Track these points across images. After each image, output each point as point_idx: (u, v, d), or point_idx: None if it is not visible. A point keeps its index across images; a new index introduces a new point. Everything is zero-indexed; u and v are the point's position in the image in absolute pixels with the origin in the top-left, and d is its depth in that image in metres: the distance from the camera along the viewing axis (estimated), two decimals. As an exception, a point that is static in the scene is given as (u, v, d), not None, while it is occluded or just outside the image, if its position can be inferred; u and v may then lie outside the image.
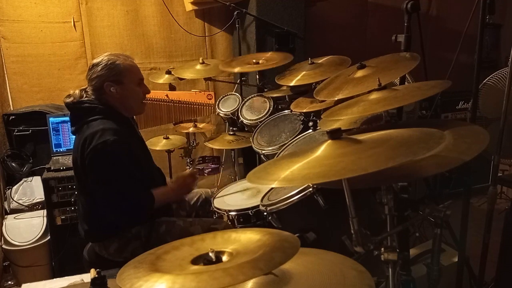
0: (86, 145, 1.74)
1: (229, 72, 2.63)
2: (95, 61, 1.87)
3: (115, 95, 1.84)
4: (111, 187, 1.74)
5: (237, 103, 2.82)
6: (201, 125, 3.00)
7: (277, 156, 2.08)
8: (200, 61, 2.84)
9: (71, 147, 2.81)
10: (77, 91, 1.87)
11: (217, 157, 3.14)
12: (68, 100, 1.86)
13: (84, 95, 1.87)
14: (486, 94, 2.33)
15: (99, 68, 1.83)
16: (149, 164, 2.00)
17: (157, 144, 2.83)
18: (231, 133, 2.74)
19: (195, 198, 2.30)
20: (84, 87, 1.90)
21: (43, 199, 2.63)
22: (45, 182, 2.58)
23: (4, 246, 2.62)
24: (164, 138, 2.89)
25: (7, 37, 3.08)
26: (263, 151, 2.25)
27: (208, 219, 2.10)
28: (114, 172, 1.75)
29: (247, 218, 1.97)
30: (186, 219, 2.05)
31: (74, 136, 1.89)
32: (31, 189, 2.82)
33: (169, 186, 1.98)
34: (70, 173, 2.59)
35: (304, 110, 2.19)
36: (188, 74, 2.79)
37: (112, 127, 1.77)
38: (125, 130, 1.86)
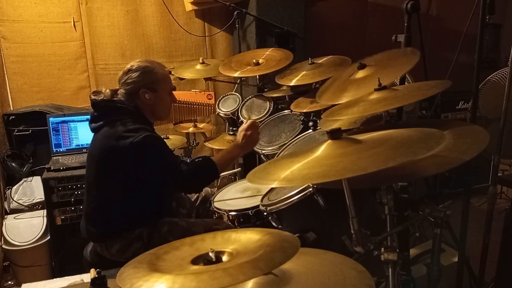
0: (125, 139, 1.73)
1: (230, 75, 2.65)
2: (130, 66, 1.87)
3: (147, 102, 1.87)
4: (169, 166, 1.79)
5: (237, 103, 2.83)
6: (201, 125, 3.00)
7: (277, 156, 2.08)
8: (200, 61, 2.84)
9: (71, 147, 2.84)
10: (107, 91, 1.88)
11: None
12: (97, 97, 1.86)
13: (115, 96, 1.88)
14: (486, 94, 2.33)
15: (136, 73, 1.84)
16: None
17: (157, 144, 2.83)
18: (231, 133, 2.74)
19: (195, 197, 2.30)
20: (115, 89, 1.91)
21: (43, 199, 2.63)
22: (45, 182, 2.57)
23: (4, 246, 2.62)
24: (164, 138, 2.89)
25: (7, 37, 3.08)
26: (263, 151, 2.26)
27: (210, 220, 2.10)
28: (164, 157, 1.80)
29: (247, 218, 1.97)
30: (188, 220, 2.06)
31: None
32: (31, 189, 2.82)
33: (232, 143, 1.99)
34: (70, 173, 2.60)
35: (304, 110, 2.19)
36: (188, 74, 2.79)
37: (146, 127, 1.82)
38: None
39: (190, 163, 1.82)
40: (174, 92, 2.01)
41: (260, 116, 2.54)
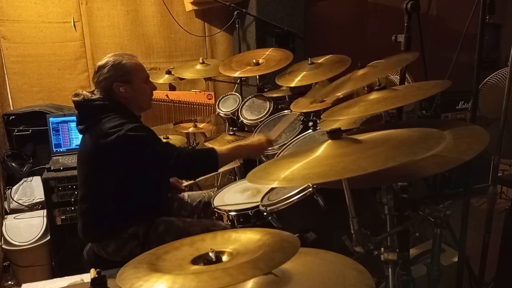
0: (112, 135, 1.73)
1: (230, 75, 2.66)
2: (100, 63, 1.87)
3: (124, 95, 1.86)
4: (159, 153, 1.76)
5: (237, 103, 2.83)
6: (201, 125, 3.00)
7: (277, 156, 2.08)
8: (200, 61, 2.84)
9: (71, 147, 2.84)
10: (85, 92, 1.88)
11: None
12: (78, 98, 1.86)
13: (93, 96, 1.88)
14: (486, 94, 2.33)
15: (105, 70, 1.84)
16: None
17: (157, 144, 2.83)
18: (231, 133, 2.74)
19: (197, 200, 2.29)
20: (91, 90, 1.91)
21: (43, 199, 2.63)
22: (45, 182, 2.57)
23: (4, 246, 2.62)
24: (164, 138, 2.89)
25: (7, 37, 3.08)
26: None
27: (207, 220, 2.10)
28: (154, 144, 1.78)
29: (247, 218, 1.97)
30: (185, 219, 2.05)
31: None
32: (31, 189, 2.82)
33: (243, 141, 1.99)
34: (70, 173, 2.60)
35: (304, 110, 2.19)
36: (188, 74, 2.79)
37: (131, 121, 1.81)
38: None
39: (189, 150, 1.81)
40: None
41: (260, 116, 2.54)
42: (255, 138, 1.98)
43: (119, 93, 1.85)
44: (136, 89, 1.88)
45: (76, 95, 1.88)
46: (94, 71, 1.89)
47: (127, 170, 1.79)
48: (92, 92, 1.89)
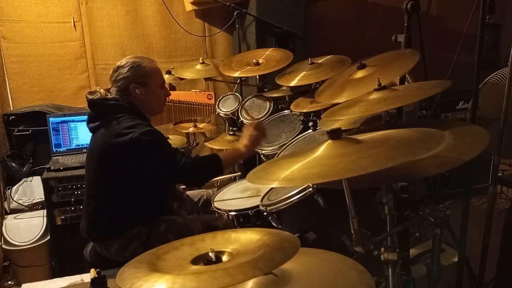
0: (125, 136, 1.74)
1: (230, 75, 2.66)
2: (120, 63, 1.90)
3: (139, 97, 1.88)
4: (170, 159, 1.79)
5: (237, 103, 2.83)
6: (201, 125, 3.00)
7: (277, 156, 2.08)
8: (200, 61, 2.84)
9: (71, 147, 2.84)
10: (101, 90, 1.90)
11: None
12: (94, 96, 1.88)
13: (109, 95, 1.90)
14: (486, 94, 2.33)
15: (125, 70, 1.86)
16: None
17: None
18: (231, 133, 2.74)
19: (197, 198, 2.30)
20: (107, 88, 1.93)
21: (43, 199, 2.63)
22: (45, 182, 2.57)
23: (4, 246, 2.62)
24: (164, 138, 2.88)
25: (7, 37, 3.08)
26: (263, 151, 2.26)
27: (208, 216, 2.11)
28: (164, 150, 1.81)
29: (247, 218, 1.97)
30: (186, 216, 2.06)
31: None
32: (31, 189, 2.82)
33: (239, 143, 2.01)
34: (70, 173, 2.60)
35: (304, 110, 2.19)
36: (188, 74, 2.79)
37: (144, 123, 1.83)
38: None
39: (195, 157, 1.84)
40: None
41: (260, 116, 2.54)
42: (245, 136, 1.99)
43: (134, 95, 1.88)
44: (151, 92, 1.91)
45: (92, 93, 1.90)
46: (113, 70, 1.91)
47: (135, 172, 1.80)
48: (107, 90, 1.91)
